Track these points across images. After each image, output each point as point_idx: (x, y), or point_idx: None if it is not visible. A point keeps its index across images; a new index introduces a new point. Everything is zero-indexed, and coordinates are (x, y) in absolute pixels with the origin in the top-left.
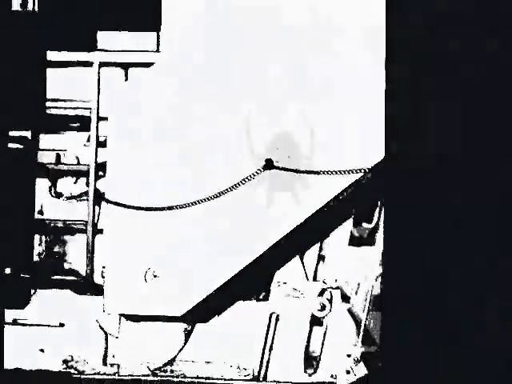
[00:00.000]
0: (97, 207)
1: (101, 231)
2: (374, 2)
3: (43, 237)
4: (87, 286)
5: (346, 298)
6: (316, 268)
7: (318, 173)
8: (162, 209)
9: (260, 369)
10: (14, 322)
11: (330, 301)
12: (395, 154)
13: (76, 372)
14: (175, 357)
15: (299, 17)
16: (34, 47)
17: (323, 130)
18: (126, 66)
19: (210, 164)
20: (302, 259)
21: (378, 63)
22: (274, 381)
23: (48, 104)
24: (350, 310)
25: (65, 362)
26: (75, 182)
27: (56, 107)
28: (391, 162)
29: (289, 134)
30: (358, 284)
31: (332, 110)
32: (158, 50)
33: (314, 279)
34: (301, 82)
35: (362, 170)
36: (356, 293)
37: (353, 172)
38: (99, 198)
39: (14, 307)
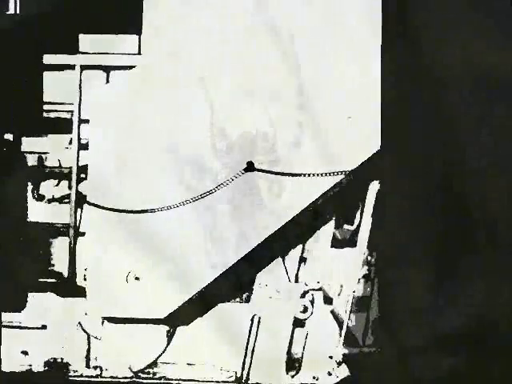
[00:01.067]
0: (79, 210)
1: (83, 234)
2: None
3: (26, 239)
4: (69, 288)
5: (328, 300)
6: (298, 270)
7: (298, 175)
8: (145, 211)
9: (242, 371)
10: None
11: (312, 303)
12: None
13: (59, 374)
14: (157, 359)
15: (289, 13)
16: (17, 49)
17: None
18: (107, 69)
19: (191, 166)
20: (283, 261)
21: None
22: (257, 383)
23: (31, 107)
24: (332, 312)
25: (47, 364)
26: (57, 185)
27: (39, 110)
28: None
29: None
30: (341, 286)
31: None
32: (139, 53)
33: (296, 281)
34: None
35: (343, 173)
36: (339, 295)
37: (334, 174)
38: (81, 200)
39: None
